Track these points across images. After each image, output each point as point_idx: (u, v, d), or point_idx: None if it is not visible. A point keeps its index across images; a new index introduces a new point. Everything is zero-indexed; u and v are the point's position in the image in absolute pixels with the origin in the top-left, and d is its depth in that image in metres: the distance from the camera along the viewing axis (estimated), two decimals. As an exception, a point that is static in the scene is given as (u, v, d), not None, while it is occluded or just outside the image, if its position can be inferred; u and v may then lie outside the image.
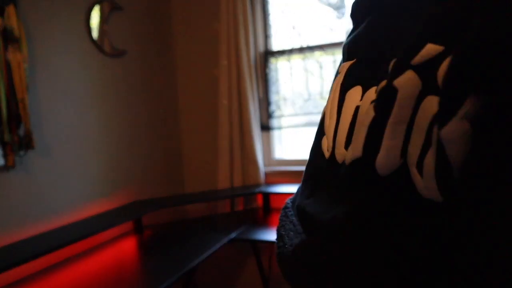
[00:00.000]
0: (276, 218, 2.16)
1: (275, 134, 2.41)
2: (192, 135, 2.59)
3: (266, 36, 2.36)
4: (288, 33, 2.31)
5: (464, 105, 0.20)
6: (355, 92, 0.32)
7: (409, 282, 0.24)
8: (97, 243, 1.85)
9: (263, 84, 2.36)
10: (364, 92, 0.31)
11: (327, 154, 0.34)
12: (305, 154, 2.66)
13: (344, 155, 0.31)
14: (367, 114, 0.28)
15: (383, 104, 0.26)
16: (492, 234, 0.19)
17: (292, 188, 2.15)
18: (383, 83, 0.27)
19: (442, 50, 0.23)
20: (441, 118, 0.22)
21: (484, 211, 0.20)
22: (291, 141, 2.44)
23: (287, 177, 2.31)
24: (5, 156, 1.50)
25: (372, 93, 0.29)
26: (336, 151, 0.32)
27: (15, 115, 1.52)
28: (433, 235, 0.22)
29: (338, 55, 2.19)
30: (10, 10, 1.50)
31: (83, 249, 1.78)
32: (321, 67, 2.24)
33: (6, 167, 1.52)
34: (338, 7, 2.18)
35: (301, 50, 2.27)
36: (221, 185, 2.32)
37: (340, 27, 2.18)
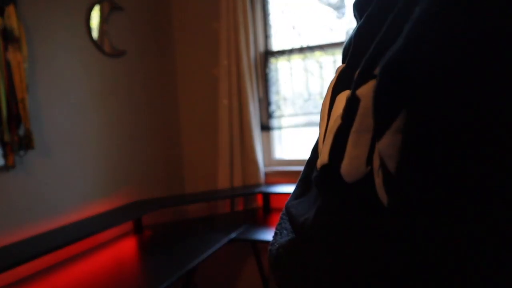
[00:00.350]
0: (276, 218, 2.16)
1: (275, 134, 2.41)
2: (192, 135, 2.59)
3: (266, 36, 2.36)
4: (288, 33, 2.30)
5: (397, 119, 0.21)
6: (344, 97, 0.32)
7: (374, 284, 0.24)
8: (97, 243, 1.85)
9: (263, 84, 2.36)
10: None
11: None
12: (305, 154, 2.66)
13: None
14: (335, 122, 0.29)
15: (349, 113, 0.27)
16: (432, 237, 0.20)
17: (292, 188, 2.14)
18: (349, 92, 0.27)
19: None
20: (376, 132, 0.22)
21: (419, 214, 0.21)
22: (291, 141, 2.44)
23: (287, 177, 2.31)
24: (5, 156, 1.50)
25: None
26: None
27: (15, 115, 1.52)
28: (395, 239, 0.23)
29: (338, 55, 2.18)
30: (10, 10, 1.50)
31: (83, 249, 1.78)
32: (321, 67, 2.24)
33: (6, 167, 1.52)
34: (338, 7, 2.18)
35: (301, 50, 2.27)
36: (221, 185, 2.32)
37: (340, 27, 2.18)
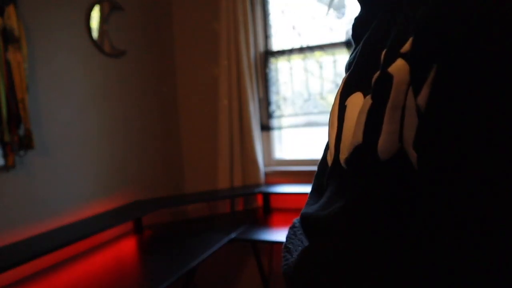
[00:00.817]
0: (276, 218, 2.16)
1: (275, 134, 2.41)
2: (192, 135, 2.59)
3: (266, 36, 2.36)
4: (288, 33, 2.30)
5: (430, 73, 0.23)
6: (356, 98, 0.33)
7: (409, 269, 0.25)
8: (97, 243, 1.85)
9: (263, 84, 2.36)
10: (365, 96, 0.32)
11: (330, 163, 0.35)
12: (305, 154, 2.64)
13: None
14: (365, 103, 0.30)
15: (380, 92, 0.28)
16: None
17: (292, 188, 2.15)
18: (378, 73, 0.29)
19: None
20: (414, 88, 0.24)
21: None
22: (291, 141, 2.44)
23: (287, 177, 2.31)
24: (5, 156, 1.50)
25: None
26: (341, 156, 0.33)
27: (15, 115, 1.52)
28: (437, 214, 0.24)
29: (338, 55, 2.19)
30: (10, 10, 1.50)
31: (83, 249, 1.78)
32: (321, 67, 2.24)
33: (6, 167, 1.52)
34: (338, 7, 2.18)
35: (301, 50, 2.27)
36: (221, 185, 2.32)
37: (340, 27, 2.18)
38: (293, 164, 2.35)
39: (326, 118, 2.22)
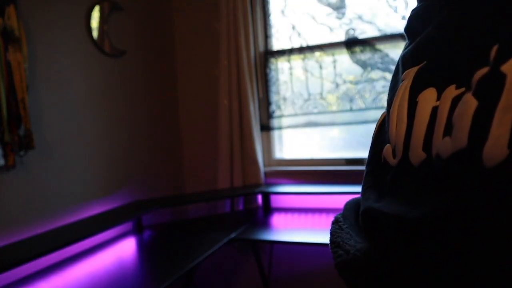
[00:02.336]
0: (276, 218, 2.16)
1: (275, 134, 2.41)
2: (192, 135, 2.59)
3: (266, 36, 2.36)
4: (288, 33, 2.31)
5: None
6: (429, 94, 0.32)
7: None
8: (97, 243, 1.85)
9: (263, 84, 2.36)
10: (439, 93, 0.30)
11: (393, 161, 0.34)
12: (305, 154, 2.64)
13: (422, 156, 0.30)
14: (467, 104, 0.27)
15: (487, 92, 0.26)
16: None
17: (292, 188, 2.15)
18: (484, 70, 0.26)
19: None
20: None
21: None
22: (291, 141, 2.44)
23: (287, 177, 2.31)
24: (5, 156, 1.50)
25: (451, 91, 0.29)
26: (411, 153, 0.32)
27: (15, 115, 1.52)
28: None
29: (338, 55, 2.18)
30: (10, 10, 1.50)
31: (83, 249, 1.78)
32: (321, 67, 2.24)
33: (6, 167, 1.52)
34: (338, 7, 2.18)
35: (301, 50, 2.27)
36: (221, 185, 2.32)
37: (340, 27, 2.18)
38: (293, 164, 2.35)
39: (326, 118, 2.22)
